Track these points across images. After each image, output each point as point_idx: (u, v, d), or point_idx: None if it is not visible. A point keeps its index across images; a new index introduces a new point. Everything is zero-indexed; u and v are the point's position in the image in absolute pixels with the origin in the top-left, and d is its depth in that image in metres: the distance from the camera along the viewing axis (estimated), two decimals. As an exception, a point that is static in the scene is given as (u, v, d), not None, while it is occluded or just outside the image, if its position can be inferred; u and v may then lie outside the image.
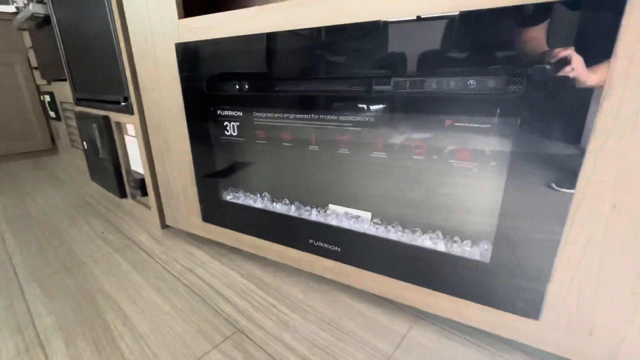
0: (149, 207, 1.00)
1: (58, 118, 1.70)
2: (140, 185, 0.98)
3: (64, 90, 1.51)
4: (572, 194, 0.39)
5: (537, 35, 0.36)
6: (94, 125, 1.08)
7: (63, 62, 1.21)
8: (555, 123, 0.38)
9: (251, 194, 0.74)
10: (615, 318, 0.41)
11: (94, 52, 0.97)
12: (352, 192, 0.60)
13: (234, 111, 0.67)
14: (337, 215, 0.63)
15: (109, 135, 1.03)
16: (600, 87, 0.35)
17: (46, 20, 1.35)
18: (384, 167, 0.55)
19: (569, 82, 0.36)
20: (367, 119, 0.53)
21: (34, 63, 1.72)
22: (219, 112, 0.69)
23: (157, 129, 0.82)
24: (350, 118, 0.54)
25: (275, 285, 0.69)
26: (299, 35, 0.53)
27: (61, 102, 1.61)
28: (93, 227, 0.99)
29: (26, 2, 1.30)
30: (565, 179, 0.39)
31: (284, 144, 0.64)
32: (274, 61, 0.57)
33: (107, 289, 0.68)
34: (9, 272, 0.75)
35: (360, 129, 0.54)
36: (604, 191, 0.38)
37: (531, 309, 0.46)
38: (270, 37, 0.55)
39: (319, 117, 0.58)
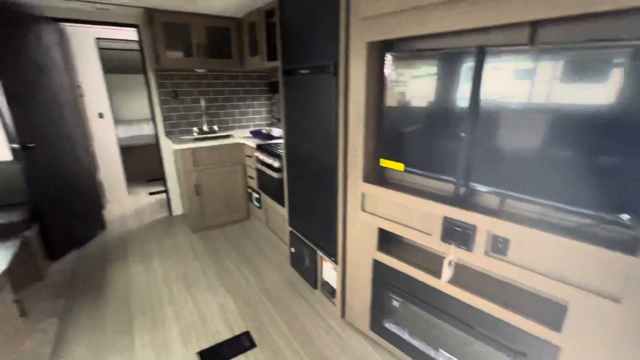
0: (333, 303, 1.88)
1: (260, 207, 2.82)
2: (330, 291, 1.87)
3: (267, 200, 2.58)
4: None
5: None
6: (305, 249, 2.03)
7: (285, 196, 2.19)
8: None
9: (400, 327, 1.53)
10: None
11: (316, 213, 1.89)
12: (452, 349, 1.33)
13: (397, 300, 1.48)
14: (444, 357, 1.36)
15: (314, 257, 1.96)
16: None
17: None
18: (465, 347, 1.27)
19: None
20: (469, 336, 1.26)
21: (247, 173, 2.88)
22: (390, 294, 1.50)
23: (351, 276, 1.68)
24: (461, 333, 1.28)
25: (408, 376, 1.47)
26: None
27: (266, 206, 2.71)
28: (302, 306, 1.93)
29: (271, 161, 2.37)
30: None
31: (422, 317, 1.41)
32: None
33: (327, 354, 1.56)
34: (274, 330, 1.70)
35: (464, 334, 1.28)
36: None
37: None
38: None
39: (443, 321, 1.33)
